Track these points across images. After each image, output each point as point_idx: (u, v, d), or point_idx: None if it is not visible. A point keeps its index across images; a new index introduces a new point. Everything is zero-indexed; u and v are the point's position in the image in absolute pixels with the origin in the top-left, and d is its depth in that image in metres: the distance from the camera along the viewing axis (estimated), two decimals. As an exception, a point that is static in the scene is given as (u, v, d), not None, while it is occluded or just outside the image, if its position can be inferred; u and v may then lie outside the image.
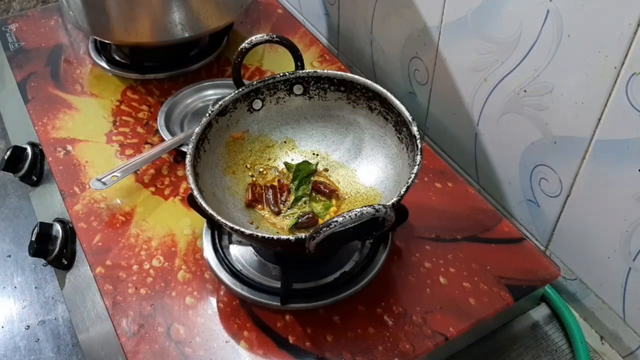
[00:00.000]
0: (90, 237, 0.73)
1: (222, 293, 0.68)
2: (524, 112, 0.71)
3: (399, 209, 0.64)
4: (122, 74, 0.97)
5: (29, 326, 0.88)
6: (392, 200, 0.57)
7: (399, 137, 0.68)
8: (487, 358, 0.68)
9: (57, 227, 0.78)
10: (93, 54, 1.01)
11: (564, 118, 0.65)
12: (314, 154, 0.75)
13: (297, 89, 0.73)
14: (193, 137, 0.66)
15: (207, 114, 0.68)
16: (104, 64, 0.99)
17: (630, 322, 0.67)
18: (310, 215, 0.68)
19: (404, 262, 0.70)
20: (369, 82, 0.69)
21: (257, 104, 0.73)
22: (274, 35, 0.71)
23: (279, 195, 0.71)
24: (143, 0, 0.85)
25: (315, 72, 0.72)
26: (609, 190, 0.63)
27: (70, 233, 0.77)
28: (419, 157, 0.60)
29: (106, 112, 0.91)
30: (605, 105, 0.60)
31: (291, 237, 0.55)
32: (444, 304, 0.65)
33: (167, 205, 0.77)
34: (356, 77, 0.70)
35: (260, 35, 0.70)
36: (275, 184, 0.73)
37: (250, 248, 0.70)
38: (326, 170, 0.74)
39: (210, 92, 0.93)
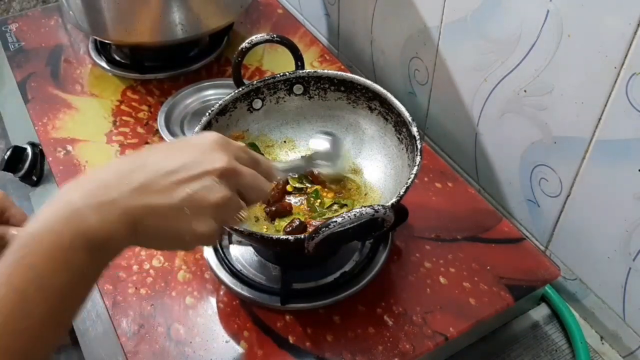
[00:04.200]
0: (90, 237, 0.73)
1: (222, 293, 0.68)
2: (524, 112, 0.70)
3: (399, 209, 0.64)
4: (122, 74, 0.97)
5: (29, 326, 0.88)
6: (392, 201, 0.57)
7: (398, 138, 0.68)
8: (487, 358, 0.68)
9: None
10: (93, 54, 1.01)
11: (564, 118, 0.65)
12: (314, 154, 0.75)
13: (297, 88, 0.73)
14: (193, 137, 0.66)
15: (207, 114, 0.68)
16: (104, 64, 0.99)
17: (630, 322, 0.67)
18: (297, 223, 0.67)
19: (404, 262, 0.70)
20: (369, 82, 0.69)
21: (257, 103, 0.73)
22: (274, 35, 0.71)
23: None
24: (143, 0, 0.85)
25: (316, 72, 0.72)
26: (609, 190, 0.63)
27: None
28: (418, 158, 0.60)
29: (106, 112, 0.91)
30: (605, 105, 0.60)
31: (290, 237, 0.55)
32: (444, 304, 0.65)
33: (167, 205, 0.77)
34: (356, 77, 0.70)
35: (261, 35, 0.70)
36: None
37: (250, 248, 0.70)
38: None
39: (210, 92, 0.93)
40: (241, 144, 0.50)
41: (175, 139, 0.46)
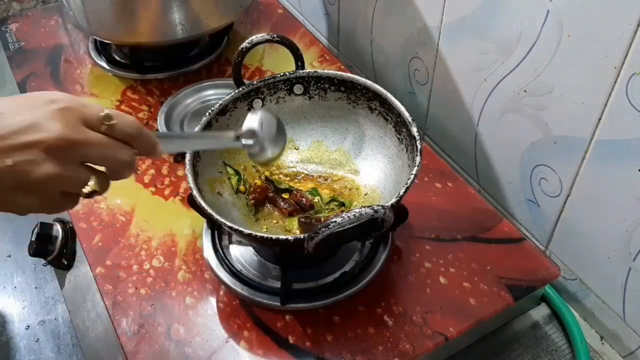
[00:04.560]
0: (90, 237, 0.73)
1: (222, 293, 0.68)
2: (524, 112, 0.70)
3: (399, 209, 0.64)
4: (122, 74, 0.97)
5: (29, 326, 0.88)
6: (391, 201, 0.57)
7: (398, 138, 0.68)
8: (487, 358, 0.68)
9: (57, 227, 0.78)
10: (93, 54, 1.01)
11: (564, 118, 0.65)
12: (314, 154, 0.75)
13: (298, 88, 0.73)
14: (193, 137, 0.66)
15: (207, 114, 0.68)
16: (104, 64, 0.99)
17: (630, 322, 0.67)
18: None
19: (404, 262, 0.70)
20: (369, 82, 0.69)
21: (257, 103, 0.73)
22: (275, 35, 0.71)
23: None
24: (143, 0, 0.85)
25: (316, 72, 0.72)
26: (609, 190, 0.63)
27: (70, 233, 0.77)
28: (418, 158, 0.60)
29: (106, 112, 0.91)
30: (605, 105, 0.60)
31: (290, 237, 0.55)
32: (444, 304, 0.65)
33: (167, 205, 0.77)
34: (356, 77, 0.70)
35: (261, 35, 0.70)
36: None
37: (250, 248, 0.70)
38: (325, 179, 0.74)
39: (210, 92, 0.93)
40: (106, 109, 0.44)
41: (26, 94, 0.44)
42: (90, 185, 0.43)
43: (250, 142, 0.60)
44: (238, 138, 0.59)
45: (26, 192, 0.41)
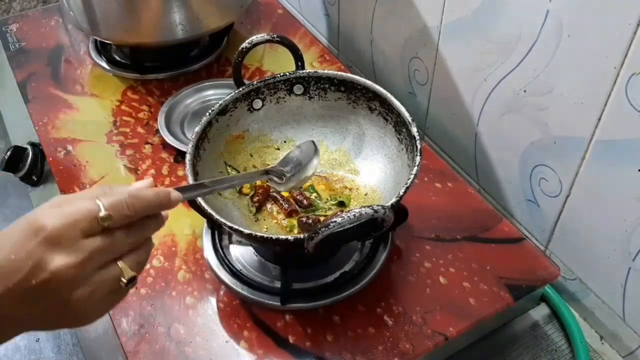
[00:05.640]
0: (91, 237, 0.73)
1: (222, 293, 0.68)
2: (524, 112, 0.70)
3: (399, 209, 0.64)
4: (122, 74, 0.97)
5: (29, 326, 0.88)
6: (391, 201, 0.57)
7: (398, 138, 0.68)
8: (487, 358, 0.68)
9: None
10: (93, 54, 1.01)
11: (564, 118, 0.65)
12: (314, 154, 0.75)
13: (298, 88, 0.73)
14: (193, 136, 0.66)
15: (207, 114, 0.68)
16: (104, 64, 0.99)
17: (630, 322, 0.67)
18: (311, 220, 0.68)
19: (404, 262, 0.70)
20: (369, 82, 0.69)
21: (258, 103, 0.73)
22: (275, 35, 0.71)
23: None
24: (143, 0, 0.85)
25: (316, 72, 0.72)
26: (609, 190, 0.63)
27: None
28: (418, 158, 0.60)
29: (106, 112, 0.91)
30: (605, 105, 0.60)
31: (290, 237, 0.55)
32: (444, 304, 0.65)
33: (167, 205, 0.77)
34: (356, 77, 0.70)
35: (261, 35, 0.70)
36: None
37: (250, 248, 0.71)
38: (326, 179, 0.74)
39: (210, 92, 0.93)
40: (98, 199, 0.41)
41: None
42: (125, 276, 0.42)
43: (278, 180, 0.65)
44: (267, 173, 0.64)
45: (75, 313, 0.40)
